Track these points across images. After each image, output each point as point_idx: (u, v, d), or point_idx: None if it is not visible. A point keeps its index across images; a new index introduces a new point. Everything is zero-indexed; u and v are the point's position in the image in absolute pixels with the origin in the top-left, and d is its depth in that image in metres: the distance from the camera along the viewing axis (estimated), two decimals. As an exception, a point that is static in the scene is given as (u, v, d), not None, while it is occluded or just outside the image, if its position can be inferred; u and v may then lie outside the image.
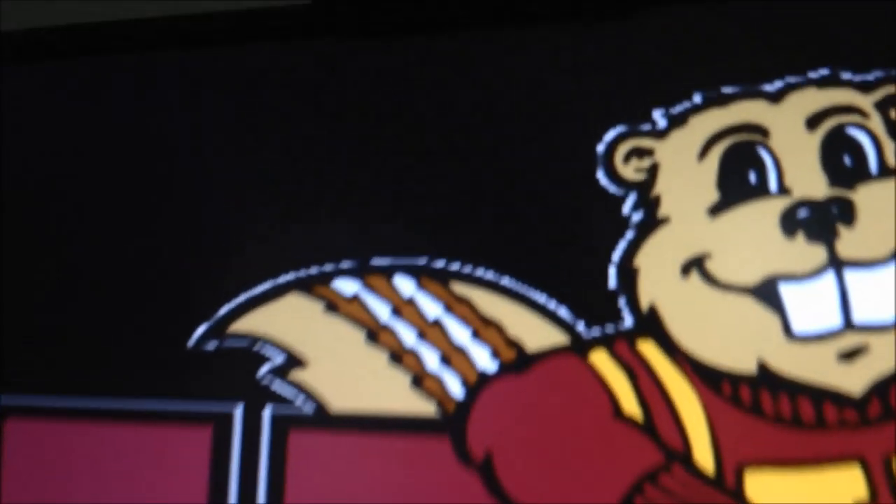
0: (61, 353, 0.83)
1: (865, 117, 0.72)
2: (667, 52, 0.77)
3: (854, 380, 0.69)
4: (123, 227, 0.86)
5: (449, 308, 0.77)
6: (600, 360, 0.73)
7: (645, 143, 0.77)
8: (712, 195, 0.74)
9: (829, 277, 0.70)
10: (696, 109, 0.76)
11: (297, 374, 0.78)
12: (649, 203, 0.75)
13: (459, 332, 0.76)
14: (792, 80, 0.74)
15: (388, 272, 0.79)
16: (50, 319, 0.84)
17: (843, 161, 0.72)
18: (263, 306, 0.81)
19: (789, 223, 0.71)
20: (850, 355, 0.69)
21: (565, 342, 0.74)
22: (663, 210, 0.75)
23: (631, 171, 0.77)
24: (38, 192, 0.88)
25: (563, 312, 0.75)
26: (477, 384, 0.75)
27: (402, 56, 0.84)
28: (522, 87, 0.80)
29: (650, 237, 0.75)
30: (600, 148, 0.77)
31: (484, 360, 0.75)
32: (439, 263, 0.78)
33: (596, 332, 0.74)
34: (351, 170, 0.83)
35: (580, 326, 0.75)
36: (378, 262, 0.80)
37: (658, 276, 0.74)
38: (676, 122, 0.76)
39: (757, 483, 0.69)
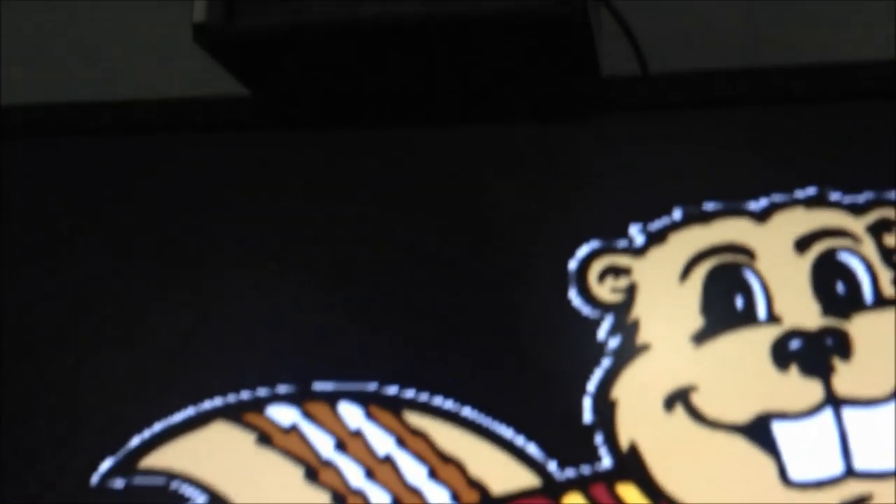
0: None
1: (857, 242, 0.68)
2: (645, 163, 0.72)
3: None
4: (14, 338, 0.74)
5: (402, 442, 0.68)
6: (576, 506, 0.65)
7: (621, 260, 0.70)
8: (696, 321, 0.68)
9: (827, 417, 0.64)
10: (676, 226, 0.70)
11: (223, 520, 0.68)
12: (627, 327, 0.69)
13: (414, 471, 0.67)
14: (778, 198, 0.69)
15: (331, 399, 0.70)
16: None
17: (835, 288, 0.67)
18: (183, 437, 0.70)
19: (781, 355, 0.65)
20: (853, 506, 0.63)
21: (535, 484, 0.66)
22: (643, 336, 0.68)
23: (607, 291, 0.70)
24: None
25: (533, 450, 0.67)
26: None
27: (354, 153, 0.76)
28: (488, 195, 0.73)
29: (629, 366, 0.68)
30: (573, 265, 0.71)
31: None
32: (391, 390, 0.69)
33: (570, 473, 0.66)
34: (291, 278, 0.74)
35: (552, 466, 0.66)
36: (320, 386, 0.70)
37: (639, 410, 0.67)
38: (655, 239, 0.70)
39: None
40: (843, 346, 0.65)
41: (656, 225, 0.71)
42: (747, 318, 0.67)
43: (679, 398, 0.66)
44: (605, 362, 0.68)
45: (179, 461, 0.70)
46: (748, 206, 0.70)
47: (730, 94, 0.72)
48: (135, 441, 0.70)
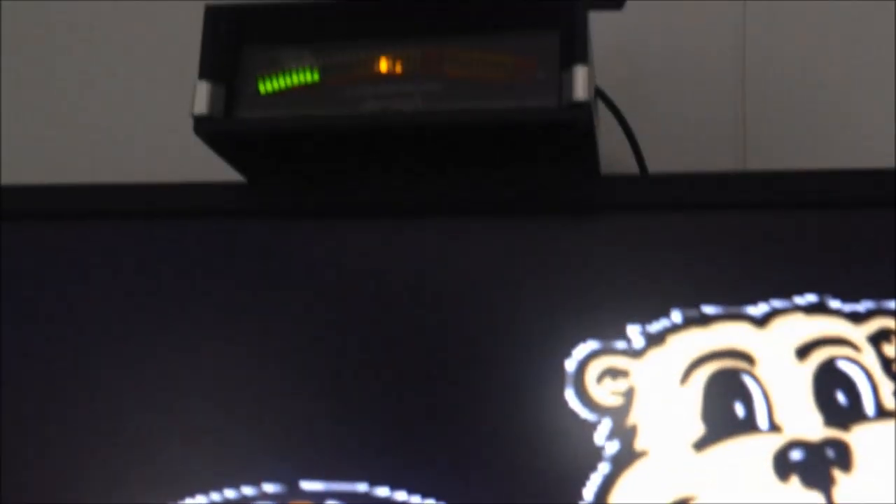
0: None
1: (858, 351, 0.67)
2: (643, 263, 0.71)
3: None
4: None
5: (392, 546, 0.66)
6: None
7: (620, 362, 0.69)
8: (696, 427, 0.67)
9: (829, 531, 0.63)
10: (676, 329, 0.70)
11: None
12: (626, 432, 0.67)
13: (403, 578, 0.65)
14: (778, 303, 0.69)
15: (319, 499, 0.67)
16: None
17: (836, 398, 0.66)
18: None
19: (783, 466, 0.64)
20: None
21: None
22: (641, 441, 0.67)
23: (605, 393, 0.68)
24: None
25: (527, 559, 0.64)
26: None
27: (349, 245, 0.75)
28: (482, 292, 0.72)
29: (627, 472, 0.66)
30: (570, 365, 0.69)
31: None
32: (381, 491, 0.67)
33: (565, 585, 0.64)
34: (279, 372, 0.72)
35: (547, 577, 0.64)
36: (308, 486, 0.67)
37: (637, 519, 0.65)
38: (654, 341, 0.69)
39: None
40: (844, 458, 0.64)
41: (655, 327, 0.70)
42: (748, 425, 0.66)
43: (679, 507, 0.65)
44: (603, 468, 0.67)
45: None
46: (748, 310, 0.69)
47: (730, 196, 0.71)
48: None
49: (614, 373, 0.69)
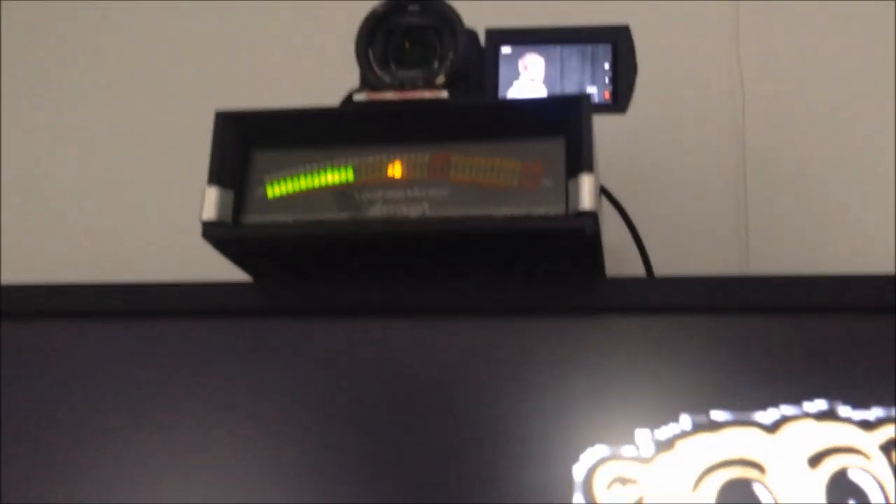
0: None
1: (869, 460, 0.66)
2: (651, 366, 0.71)
3: None
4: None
5: None
6: None
7: (629, 469, 0.68)
8: (708, 538, 0.66)
9: None
10: (685, 434, 0.69)
11: None
12: (636, 543, 0.66)
13: None
14: (788, 410, 0.68)
15: None
16: None
17: (848, 509, 0.65)
18: None
19: (797, 580, 0.63)
20: None
21: None
22: (652, 553, 0.66)
23: (614, 501, 0.67)
24: None
25: None
26: None
27: (354, 343, 0.75)
28: (489, 395, 0.72)
29: (637, 586, 0.65)
30: (578, 471, 0.68)
31: None
32: None
33: None
34: (283, 467, 0.71)
35: None
36: None
37: None
38: (663, 447, 0.69)
39: None
40: (859, 573, 0.63)
41: (664, 432, 0.69)
42: (760, 537, 0.65)
43: None
44: (613, 580, 0.65)
45: None
46: (757, 416, 0.69)
47: (737, 300, 0.72)
48: None
49: (623, 480, 0.68)
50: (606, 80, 0.76)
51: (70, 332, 0.78)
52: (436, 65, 0.71)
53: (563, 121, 0.69)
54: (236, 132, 0.71)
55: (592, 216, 0.65)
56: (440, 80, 0.71)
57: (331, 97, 0.75)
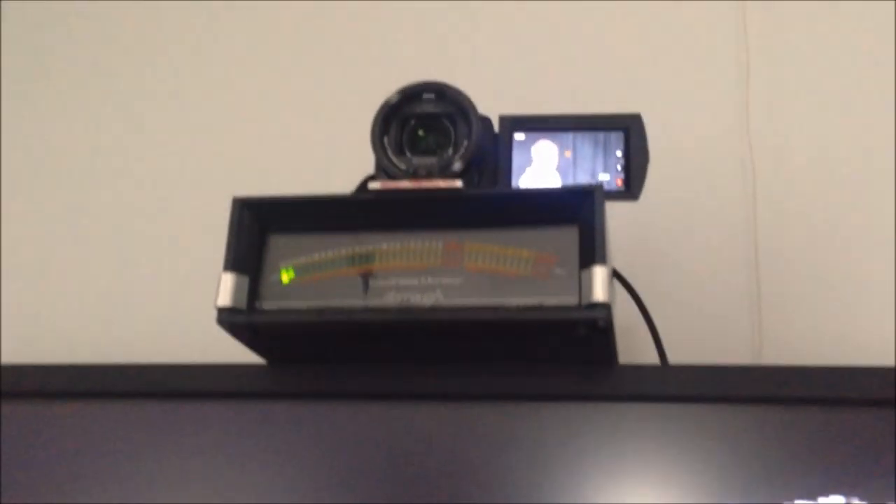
0: None
1: (886, 559, 0.65)
2: (663, 454, 0.70)
3: None
4: None
5: None
6: None
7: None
8: None
9: None
10: (698, 529, 0.68)
11: None
12: None
13: None
14: (802, 504, 0.68)
15: None
16: None
17: None
18: None
19: None
20: None
21: None
22: None
23: None
24: None
25: None
26: None
27: (366, 427, 0.75)
28: (499, 480, 0.71)
29: None
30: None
31: None
32: None
33: None
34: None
35: None
36: None
37: None
38: (676, 541, 0.68)
39: None
40: None
41: (677, 526, 0.68)
42: None
43: None
44: None
45: None
46: (773, 514, 0.68)
47: (751, 391, 0.71)
48: None
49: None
50: (619, 168, 0.77)
51: (79, 412, 0.78)
52: (450, 152, 0.72)
53: (576, 210, 0.69)
54: (253, 217, 0.72)
55: (605, 308, 0.65)
56: (455, 167, 0.72)
57: (346, 180, 0.76)
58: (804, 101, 1.02)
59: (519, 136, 0.79)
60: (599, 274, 0.66)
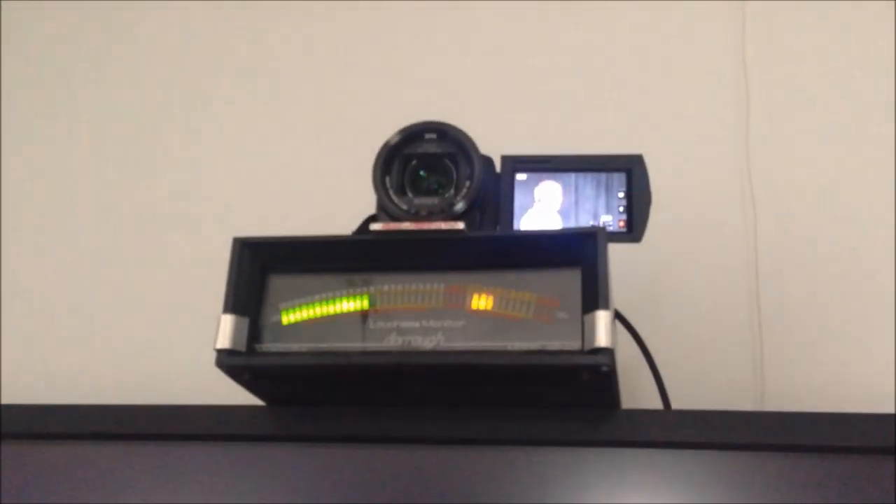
0: None
1: None
2: (666, 500, 0.69)
3: None
4: None
5: None
6: None
7: None
8: None
9: None
10: (703, 576, 0.67)
11: None
12: None
13: None
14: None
15: None
16: None
17: None
18: None
19: None
20: None
21: None
22: None
23: None
24: None
25: None
26: None
27: (365, 471, 0.73)
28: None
29: None
30: None
31: None
32: None
33: None
34: None
35: None
36: None
37: None
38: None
39: None
40: None
41: (682, 574, 0.67)
42: None
43: None
44: None
45: None
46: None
47: (754, 437, 0.70)
48: None
49: None
50: (621, 209, 0.77)
51: (77, 453, 0.77)
52: (452, 192, 0.72)
53: (579, 253, 0.69)
54: (253, 258, 0.72)
55: (609, 353, 0.64)
56: (457, 207, 0.71)
57: (347, 221, 0.76)
58: (805, 142, 1.02)
59: (521, 177, 0.79)
60: (602, 318, 0.65)
